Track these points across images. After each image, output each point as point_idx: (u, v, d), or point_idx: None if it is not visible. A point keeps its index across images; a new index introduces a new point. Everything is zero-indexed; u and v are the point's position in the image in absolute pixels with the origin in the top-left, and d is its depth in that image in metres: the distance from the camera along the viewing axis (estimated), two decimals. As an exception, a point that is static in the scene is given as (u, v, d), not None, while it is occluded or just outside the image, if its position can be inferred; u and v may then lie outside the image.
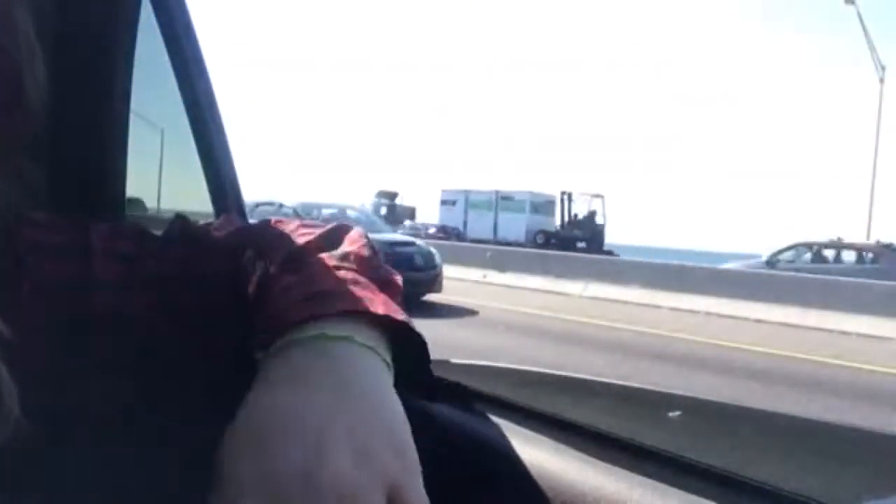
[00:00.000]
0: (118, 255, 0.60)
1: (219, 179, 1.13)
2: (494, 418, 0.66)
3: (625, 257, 18.04)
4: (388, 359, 0.50)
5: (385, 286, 0.57)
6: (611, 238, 28.94)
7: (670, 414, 0.73)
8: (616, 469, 0.57)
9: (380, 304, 0.52)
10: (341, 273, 0.55)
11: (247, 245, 0.61)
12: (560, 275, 13.93)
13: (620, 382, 0.81)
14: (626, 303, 12.24)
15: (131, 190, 1.16)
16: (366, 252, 0.59)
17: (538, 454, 0.60)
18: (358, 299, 0.52)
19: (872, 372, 7.67)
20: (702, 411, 0.78)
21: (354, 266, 0.57)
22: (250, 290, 0.58)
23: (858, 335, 9.84)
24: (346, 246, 0.59)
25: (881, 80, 16.30)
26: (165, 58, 1.07)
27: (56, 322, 0.55)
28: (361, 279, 0.55)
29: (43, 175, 0.98)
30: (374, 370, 0.48)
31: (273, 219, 0.66)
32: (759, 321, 10.86)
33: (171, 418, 0.59)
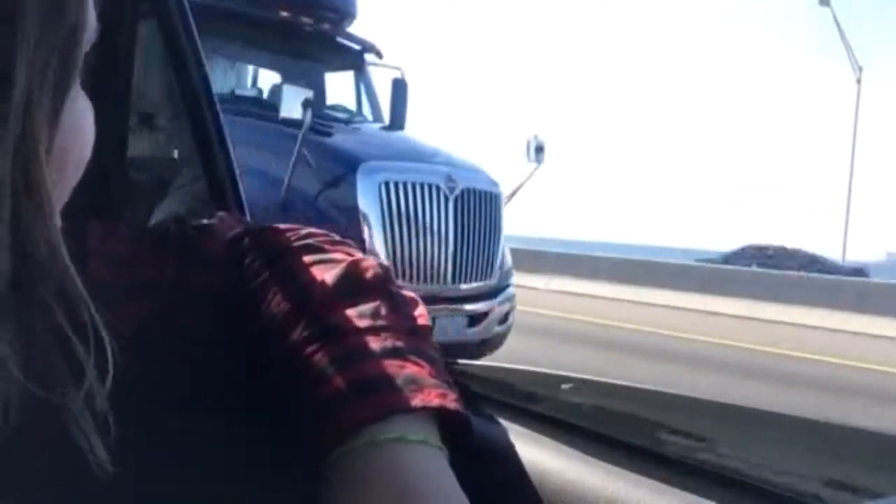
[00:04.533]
0: (111, 258, 0.58)
1: (218, 177, 1.13)
2: (497, 419, 0.66)
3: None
4: (439, 442, 0.48)
5: (417, 335, 0.54)
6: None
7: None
8: (616, 469, 0.57)
9: (431, 387, 0.49)
10: (380, 340, 0.51)
11: (247, 259, 0.59)
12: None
13: (621, 382, 0.81)
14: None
15: (131, 188, 1.16)
16: (392, 301, 0.55)
17: (538, 454, 0.60)
18: (410, 389, 0.49)
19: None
20: (702, 411, 0.78)
21: (386, 322, 0.53)
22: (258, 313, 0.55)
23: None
24: (371, 294, 0.54)
25: (858, 81, 16.22)
26: (165, 57, 1.06)
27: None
28: (399, 344, 0.51)
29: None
30: (432, 470, 0.46)
31: (276, 227, 0.63)
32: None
33: (153, 429, 0.58)
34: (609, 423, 0.68)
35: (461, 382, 0.70)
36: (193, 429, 0.57)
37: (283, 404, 0.52)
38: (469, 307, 4.84)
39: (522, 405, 0.68)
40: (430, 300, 4.26)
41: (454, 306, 4.73)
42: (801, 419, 0.71)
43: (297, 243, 0.60)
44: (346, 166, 4.57)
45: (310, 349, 0.51)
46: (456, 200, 4.67)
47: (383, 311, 0.53)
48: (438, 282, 4.61)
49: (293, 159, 4.44)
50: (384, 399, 0.48)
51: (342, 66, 6.20)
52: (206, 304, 0.59)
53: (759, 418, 0.74)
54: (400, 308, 0.55)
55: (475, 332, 4.87)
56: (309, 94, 4.64)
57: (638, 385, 0.78)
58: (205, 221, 0.65)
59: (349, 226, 4.29)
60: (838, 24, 15.27)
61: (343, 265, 0.56)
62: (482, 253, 4.83)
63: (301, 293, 0.55)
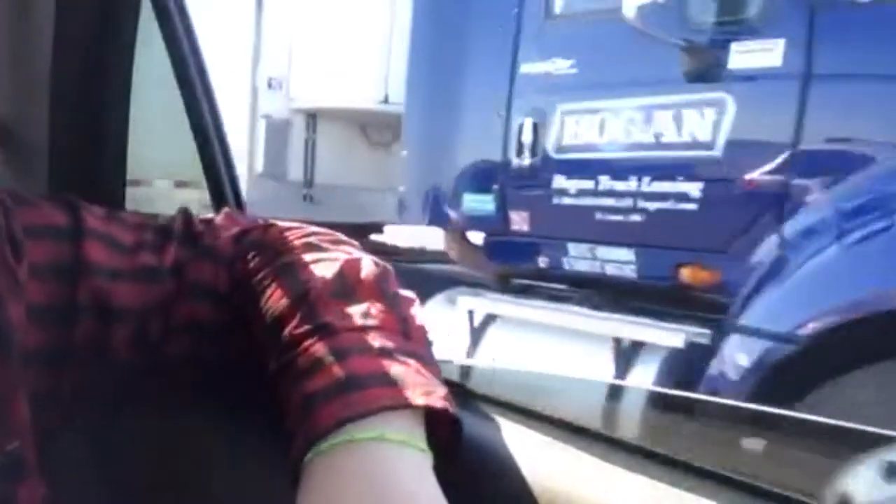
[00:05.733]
0: (113, 242, 0.58)
1: (218, 178, 1.13)
2: (496, 419, 0.66)
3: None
4: (423, 444, 0.48)
5: (410, 335, 0.54)
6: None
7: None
8: (615, 469, 0.57)
9: (417, 385, 0.49)
10: (370, 338, 0.51)
11: (249, 255, 0.60)
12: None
13: (626, 383, 0.81)
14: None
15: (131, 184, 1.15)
16: (386, 300, 0.55)
17: (538, 455, 0.60)
18: (394, 386, 0.48)
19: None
20: (708, 411, 0.78)
21: (379, 321, 0.53)
22: (262, 319, 0.55)
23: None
24: (365, 294, 0.54)
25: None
26: (164, 55, 1.06)
27: (48, 306, 0.54)
28: (389, 343, 0.51)
29: (43, 172, 0.98)
30: (411, 472, 0.46)
31: (280, 225, 0.64)
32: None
33: (152, 413, 0.58)
34: (612, 424, 0.68)
35: (460, 383, 0.70)
36: (195, 417, 0.57)
37: (275, 399, 0.52)
38: None
39: (523, 405, 0.68)
40: None
41: None
42: (801, 418, 0.71)
43: (299, 241, 0.60)
44: None
45: (301, 345, 0.51)
46: None
47: (376, 311, 0.53)
48: None
49: None
50: (367, 396, 0.47)
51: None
52: (208, 295, 0.59)
53: (757, 416, 0.74)
54: (394, 308, 0.55)
55: None
56: None
57: (643, 386, 0.78)
58: (210, 216, 0.66)
59: None
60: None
61: (340, 263, 0.56)
62: None
63: (299, 289, 0.55)
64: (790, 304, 2.03)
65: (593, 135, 2.54)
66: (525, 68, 2.70)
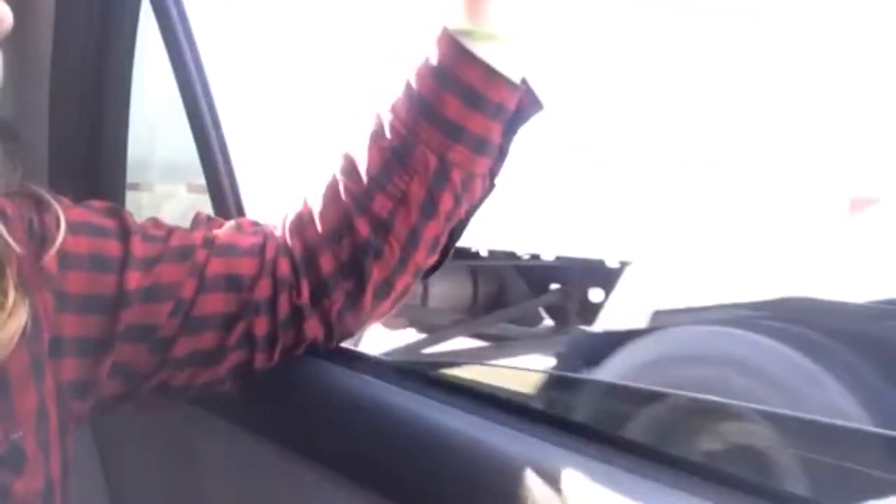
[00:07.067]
0: (149, 236, 0.63)
1: (218, 181, 1.13)
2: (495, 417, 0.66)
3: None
4: None
5: None
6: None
7: None
8: (610, 467, 0.56)
9: None
10: None
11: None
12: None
13: (617, 381, 0.81)
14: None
15: (131, 190, 1.16)
16: None
17: (544, 456, 0.59)
18: None
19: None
20: (695, 409, 0.77)
21: None
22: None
23: None
24: None
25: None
26: (165, 58, 1.07)
27: (89, 296, 0.57)
28: None
29: (44, 173, 0.99)
30: None
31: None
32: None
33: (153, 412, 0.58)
34: (602, 421, 0.68)
35: (469, 383, 0.70)
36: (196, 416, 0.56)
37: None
38: None
39: (524, 402, 0.67)
40: None
41: None
42: (799, 418, 0.71)
43: None
44: None
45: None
46: None
47: None
48: None
49: None
50: None
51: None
52: (239, 250, 0.64)
53: (754, 416, 0.73)
54: None
55: None
56: None
57: (628, 383, 0.78)
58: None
59: None
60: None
61: None
62: None
63: None
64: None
65: None
66: None
